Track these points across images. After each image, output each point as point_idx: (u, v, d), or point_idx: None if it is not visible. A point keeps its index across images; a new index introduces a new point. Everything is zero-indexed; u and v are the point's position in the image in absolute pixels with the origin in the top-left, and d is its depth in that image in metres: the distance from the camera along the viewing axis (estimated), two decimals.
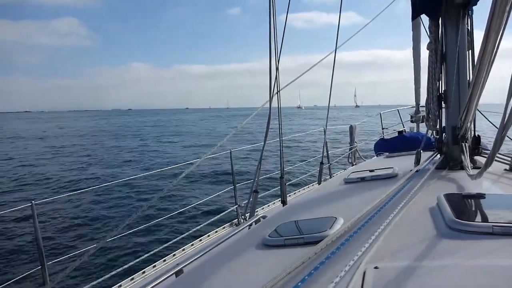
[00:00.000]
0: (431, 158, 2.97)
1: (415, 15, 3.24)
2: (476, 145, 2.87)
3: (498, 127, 1.66)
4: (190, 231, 5.36)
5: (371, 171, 2.96)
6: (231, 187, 5.97)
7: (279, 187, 3.98)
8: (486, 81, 2.16)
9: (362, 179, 2.85)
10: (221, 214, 6.26)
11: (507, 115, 1.53)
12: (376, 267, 1.20)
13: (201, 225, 5.71)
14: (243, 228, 2.51)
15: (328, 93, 4.60)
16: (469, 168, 2.48)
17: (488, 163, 1.87)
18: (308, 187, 7.50)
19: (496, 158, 2.71)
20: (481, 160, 2.81)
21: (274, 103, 3.41)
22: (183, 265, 1.91)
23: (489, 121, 3.37)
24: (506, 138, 1.68)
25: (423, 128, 6.75)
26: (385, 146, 5.28)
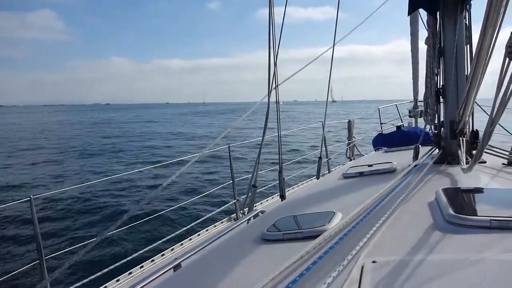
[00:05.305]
0: (429, 153, 2.97)
1: (412, 10, 3.22)
2: (474, 140, 2.87)
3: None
4: (189, 226, 5.37)
5: (370, 165, 2.96)
6: (229, 182, 5.97)
7: (278, 182, 3.98)
8: (484, 75, 2.16)
9: (361, 174, 2.85)
10: (219, 209, 6.27)
11: (495, 109, 1.54)
12: (374, 261, 1.20)
13: (200, 220, 5.71)
14: (241, 223, 2.51)
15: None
16: (464, 162, 2.48)
17: (477, 156, 1.88)
18: (307, 182, 7.50)
19: (494, 153, 2.71)
20: None
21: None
22: (181, 259, 1.91)
23: (488, 114, 3.37)
24: (505, 132, 1.69)
25: (421, 123, 6.76)
26: (384, 141, 5.27)
